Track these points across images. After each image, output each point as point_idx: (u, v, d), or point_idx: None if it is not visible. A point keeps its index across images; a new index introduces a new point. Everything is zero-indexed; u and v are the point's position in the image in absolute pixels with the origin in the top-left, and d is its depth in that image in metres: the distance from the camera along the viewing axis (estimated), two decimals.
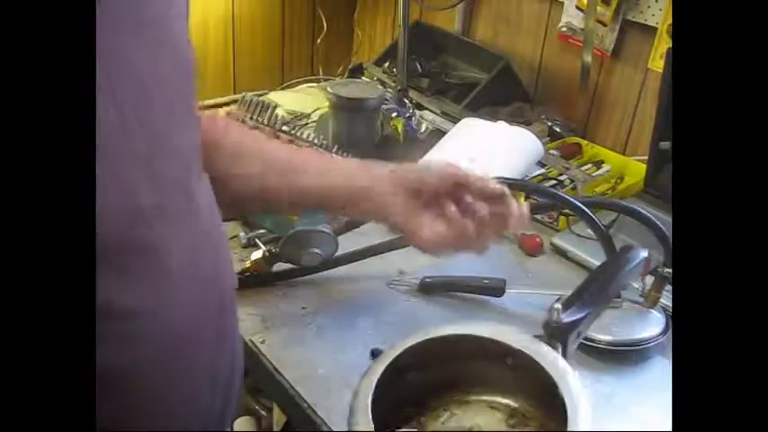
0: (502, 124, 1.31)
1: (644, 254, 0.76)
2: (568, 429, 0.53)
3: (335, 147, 1.19)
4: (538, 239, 1.12)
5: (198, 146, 0.57)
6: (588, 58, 1.44)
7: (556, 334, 0.63)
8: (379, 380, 0.59)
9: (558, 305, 0.64)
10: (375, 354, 0.85)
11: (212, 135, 0.68)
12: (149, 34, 0.49)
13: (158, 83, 0.49)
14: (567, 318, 0.63)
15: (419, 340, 0.63)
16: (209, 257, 0.60)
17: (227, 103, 1.53)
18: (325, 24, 1.92)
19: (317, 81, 1.83)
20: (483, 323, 0.66)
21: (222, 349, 0.66)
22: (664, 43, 1.33)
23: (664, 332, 0.90)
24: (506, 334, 0.63)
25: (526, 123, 1.43)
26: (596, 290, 0.69)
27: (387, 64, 1.64)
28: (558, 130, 1.46)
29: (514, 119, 1.44)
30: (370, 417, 0.55)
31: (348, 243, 1.01)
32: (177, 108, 0.53)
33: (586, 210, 0.92)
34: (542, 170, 1.30)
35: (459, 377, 0.66)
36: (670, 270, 0.88)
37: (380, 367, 0.60)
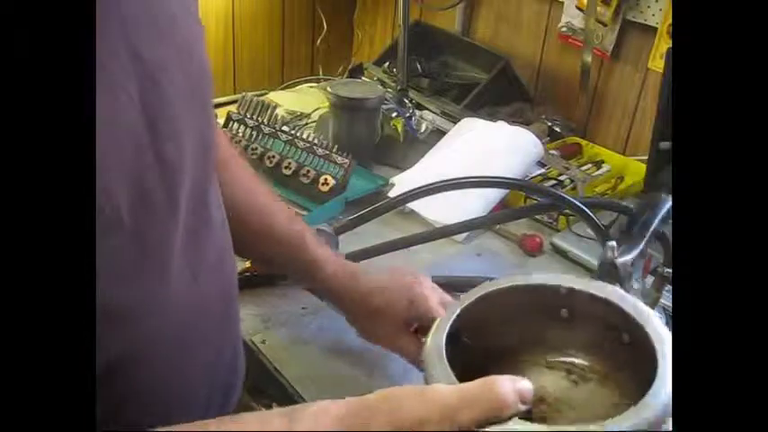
0: (502, 124, 1.31)
1: (668, 201, 0.70)
2: (656, 384, 0.45)
3: (335, 147, 1.19)
4: (538, 239, 1.12)
5: (212, 139, 0.58)
6: (588, 58, 1.44)
7: (612, 272, 0.57)
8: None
9: (613, 243, 0.59)
10: None
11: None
12: (165, 33, 0.50)
13: (170, 80, 0.50)
14: (621, 256, 0.59)
15: (471, 300, 0.55)
16: (215, 251, 0.61)
17: (227, 103, 1.53)
18: (325, 24, 1.92)
19: (317, 81, 1.83)
20: (533, 274, 0.57)
21: (223, 353, 0.66)
22: (664, 43, 1.33)
23: None
24: (562, 278, 0.56)
25: (526, 123, 1.43)
26: (639, 232, 0.63)
27: (387, 64, 1.64)
28: (558, 130, 1.46)
29: (514, 119, 1.44)
30: (447, 364, 0.48)
31: (348, 243, 1.01)
32: (190, 105, 0.54)
33: (586, 210, 0.92)
34: (542, 170, 1.30)
35: (510, 339, 0.58)
36: (670, 270, 0.88)
37: (446, 325, 0.53)
